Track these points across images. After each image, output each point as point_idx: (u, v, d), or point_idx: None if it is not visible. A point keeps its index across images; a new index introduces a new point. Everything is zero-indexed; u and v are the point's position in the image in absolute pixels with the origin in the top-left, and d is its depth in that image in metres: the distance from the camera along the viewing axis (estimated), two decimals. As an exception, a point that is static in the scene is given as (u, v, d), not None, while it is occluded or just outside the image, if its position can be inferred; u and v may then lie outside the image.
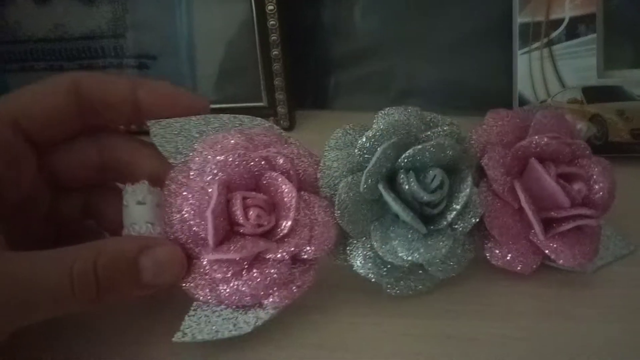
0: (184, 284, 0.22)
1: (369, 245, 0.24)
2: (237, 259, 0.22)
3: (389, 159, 0.23)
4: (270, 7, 0.41)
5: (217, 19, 0.43)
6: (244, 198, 0.22)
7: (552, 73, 0.37)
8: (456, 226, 0.24)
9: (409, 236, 0.23)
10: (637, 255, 0.28)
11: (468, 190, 0.23)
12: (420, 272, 0.25)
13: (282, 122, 0.44)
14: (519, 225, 0.25)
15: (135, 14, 0.43)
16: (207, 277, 0.22)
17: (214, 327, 0.22)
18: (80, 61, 0.43)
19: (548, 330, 0.23)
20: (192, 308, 0.22)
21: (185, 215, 0.22)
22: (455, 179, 0.24)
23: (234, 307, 0.23)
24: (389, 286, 0.24)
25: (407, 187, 0.23)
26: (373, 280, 0.24)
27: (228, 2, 0.42)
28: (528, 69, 0.37)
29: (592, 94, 0.36)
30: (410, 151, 0.23)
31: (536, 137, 0.25)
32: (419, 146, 0.23)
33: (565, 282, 0.26)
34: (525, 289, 0.26)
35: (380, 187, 0.23)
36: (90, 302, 0.20)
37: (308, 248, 0.23)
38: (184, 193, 0.22)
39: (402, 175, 0.23)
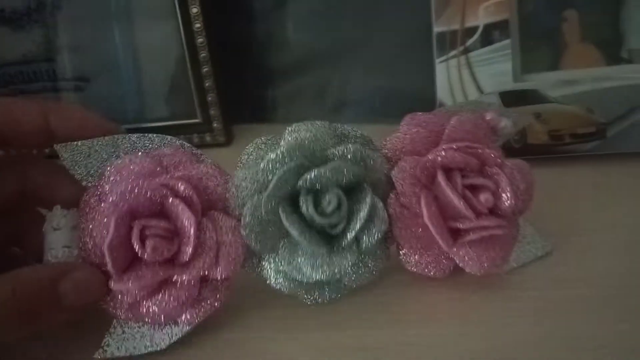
0: (104, 305, 0.23)
1: (279, 260, 0.24)
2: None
3: (288, 183, 0.24)
4: (197, 25, 0.41)
5: (151, 38, 0.43)
6: (143, 228, 0.23)
7: (470, 79, 0.37)
8: (362, 241, 0.24)
9: (314, 254, 0.24)
10: (552, 256, 0.28)
11: (367, 209, 0.24)
12: (335, 281, 0.25)
13: (218, 137, 0.45)
14: (429, 235, 0.26)
15: (67, 37, 0.43)
16: (122, 299, 0.23)
17: (131, 344, 0.23)
18: (14, 86, 0.44)
19: (460, 334, 0.24)
20: (112, 325, 0.23)
21: (95, 241, 0.23)
22: (356, 198, 0.24)
23: (150, 324, 0.23)
24: (305, 296, 0.25)
25: (305, 210, 0.24)
26: (286, 292, 0.24)
27: (159, 22, 0.42)
28: (447, 76, 0.38)
29: (509, 98, 0.37)
30: (307, 175, 0.23)
31: (443, 149, 0.26)
32: (315, 171, 0.23)
33: (481, 285, 0.26)
34: (440, 293, 0.26)
35: (280, 210, 0.24)
36: (13, 331, 0.20)
37: (215, 269, 0.23)
38: (95, 217, 0.23)
39: (302, 198, 0.24)
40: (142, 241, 0.22)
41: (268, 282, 0.24)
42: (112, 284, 0.22)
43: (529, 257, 0.28)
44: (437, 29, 0.38)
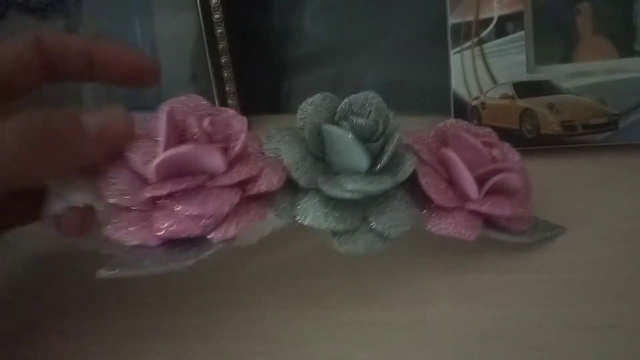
0: (128, 152, 0.23)
1: (317, 198, 0.24)
2: (184, 185, 0.22)
3: (327, 110, 0.25)
4: (217, 16, 0.42)
5: (170, 28, 0.44)
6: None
7: (484, 70, 0.38)
8: (397, 170, 0.25)
9: (354, 176, 0.24)
10: (564, 243, 0.29)
11: (399, 135, 0.25)
12: (369, 229, 0.25)
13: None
14: (452, 193, 0.26)
15: (89, 27, 0.44)
16: (161, 207, 0.22)
17: (149, 262, 0.22)
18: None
19: (464, 315, 0.24)
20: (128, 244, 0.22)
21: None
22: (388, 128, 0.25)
23: (175, 240, 0.22)
24: (339, 242, 0.24)
25: (346, 122, 0.25)
26: (324, 227, 0.24)
27: (179, 12, 0.43)
28: (461, 67, 0.38)
29: (523, 89, 0.38)
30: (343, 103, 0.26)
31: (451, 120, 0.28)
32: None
33: (492, 269, 0.27)
34: (452, 275, 0.27)
35: (324, 126, 0.24)
36: (38, 165, 0.20)
37: (258, 182, 0.23)
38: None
39: (342, 122, 0.25)
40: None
41: (306, 222, 0.24)
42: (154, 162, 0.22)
43: (544, 239, 0.29)
44: (451, 20, 0.38)
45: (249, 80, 0.46)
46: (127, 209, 0.22)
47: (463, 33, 0.38)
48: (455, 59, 0.38)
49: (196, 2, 0.42)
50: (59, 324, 0.25)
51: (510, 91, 0.38)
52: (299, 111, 0.26)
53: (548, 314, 0.24)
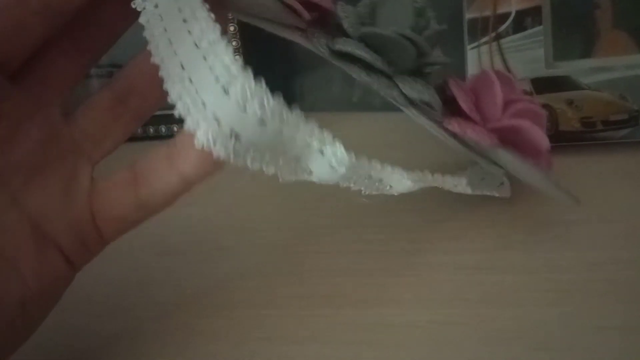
0: None
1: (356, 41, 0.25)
2: None
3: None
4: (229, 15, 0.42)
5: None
6: None
7: (501, 66, 0.37)
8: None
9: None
10: (585, 242, 0.28)
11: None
12: (392, 83, 0.25)
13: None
14: (477, 111, 0.27)
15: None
16: None
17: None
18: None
19: (489, 315, 0.24)
20: None
21: None
22: None
23: None
24: (358, 75, 0.25)
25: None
26: (360, 54, 0.24)
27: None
28: (478, 63, 0.38)
29: (541, 84, 0.37)
30: None
31: None
32: None
33: (511, 268, 0.27)
34: (469, 275, 0.26)
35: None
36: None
37: None
38: None
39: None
40: None
41: (342, 46, 0.24)
42: None
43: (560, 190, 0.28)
44: (468, 15, 0.38)
45: (262, 78, 0.46)
46: None
47: (480, 28, 0.38)
48: (472, 54, 0.38)
49: None
50: (62, 323, 0.25)
51: (528, 87, 0.37)
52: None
53: (571, 314, 0.24)
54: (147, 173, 0.20)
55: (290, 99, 0.48)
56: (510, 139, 0.27)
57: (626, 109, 0.36)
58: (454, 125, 0.25)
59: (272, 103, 0.17)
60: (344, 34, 0.25)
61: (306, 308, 0.25)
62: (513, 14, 0.37)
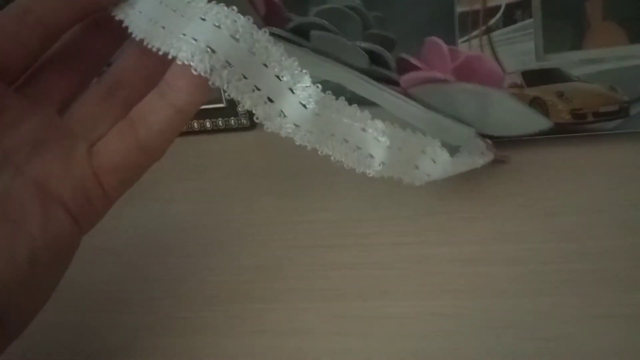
0: None
1: None
2: None
3: None
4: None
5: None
6: None
7: (492, 59, 0.37)
8: None
9: None
10: (575, 232, 0.28)
11: None
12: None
13: (242, 120, 0.45)
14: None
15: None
16: None
17: None
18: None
19: (482, 307, 0.24)
20: None
21: None
22: None
23: None
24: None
25: None
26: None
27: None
28: (469, 56, 0.38)
29: (532, 77, 0.37)
30: None
31: None
32: None
33: (502, 259, 0.27)
34: (461, 267, 0.27)
35: None
36: None
37: None
38: None
39: None
40: None
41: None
42: None
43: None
44: (459, 9, 0.38)
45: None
46: None
47: (470, 22, 0.38)
48: (463, 47, 0.38)
49: None
50: (62, 320, 0.25)
51: (519, 80, 0.37)
52: None
53: (560, 304, 0.24)
54: (143, 113, 0.22)
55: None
56: (465, 79, 0.28)
57: (616, 100, 0.37)
58: (411, 74, 0.27)
59: (258, 34, 0.20)
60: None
61: (299, 301, 0.25)
62: (503, 7, 0.37)
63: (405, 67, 0.29)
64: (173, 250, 0.31)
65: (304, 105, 0.21)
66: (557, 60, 0.37)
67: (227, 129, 0.45)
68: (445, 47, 0.28)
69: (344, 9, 0.26)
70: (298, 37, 0.26)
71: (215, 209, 0.35)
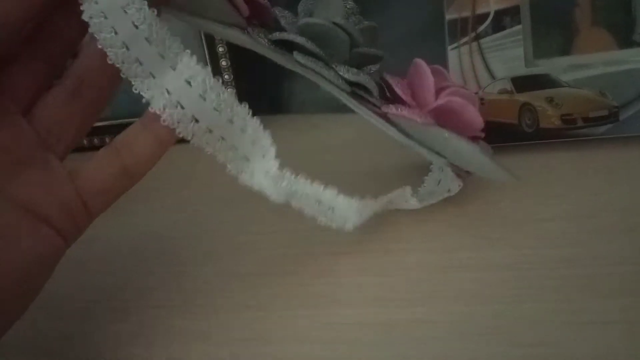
0: None
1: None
2: None
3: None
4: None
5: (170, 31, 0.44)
6: None
7: (482, 66, 0.38)
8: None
9: None
10: (564, 238, 0.29)
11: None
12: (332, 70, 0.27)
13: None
14: (412, 96, 0.29)
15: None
16: None
17: None
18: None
19: (468, 312, 0.24)
20: None
21: None
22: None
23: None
24: (300, 59, 0.26)
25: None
26: (297, 40, 0.26)
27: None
28: (458, 63, 0.38)
29: (521, 83, 0.38)
30: None
31: None
32: None
33: (489, 265, 0.27)
34: (447, 273, 0.27)
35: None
36: None
37: None
38: None
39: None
40: None
41: (280, 37, 0.26)
42: None
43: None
44: (448, 16, 0.38)
45: (249, 82, 0.46)
46: None
47: (460, 29, 0.38)
48: (452, 55, 0.38)
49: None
50: (61, 325, 0.25)
51: (508, 86, 0.38)
52: None
53: (547, 310, 0.24)
54: (128, 142, 0.23)
55: (278, 101, 0.49)
56: (445, 119, 0.28)
57: (606, 105, 0.37)
58: (392, 108, 0.27)
59: (225, 95, 0.21)
60: (282, 30, 0.27)
61: (287, 309, 0.25)
62: (492, 14, 0.37)
63: (388, 87, 0.29)
64: (163, 259, 0.31)
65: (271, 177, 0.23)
66: (546, 66, 0.38)
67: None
68: (431, 79, 0.28)
69: (330, 27, 0.26)
70: (281, 49, 0.26)
71: (203, 216, 0.35)
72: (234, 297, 0.27)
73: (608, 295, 0.24)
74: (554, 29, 0.38)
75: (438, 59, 0.40)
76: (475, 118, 0.28)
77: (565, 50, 0.38)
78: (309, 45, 0.25)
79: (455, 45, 0.38)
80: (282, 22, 0.27)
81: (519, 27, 0.37)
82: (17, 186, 0.21)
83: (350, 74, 0.26)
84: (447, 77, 0.30)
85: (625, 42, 0.37)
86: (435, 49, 0.40)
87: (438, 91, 0.28)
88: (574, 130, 0.37)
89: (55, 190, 0.22)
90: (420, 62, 0.28)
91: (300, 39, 0.25)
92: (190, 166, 0.42)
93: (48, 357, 0.24)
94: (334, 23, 0.26)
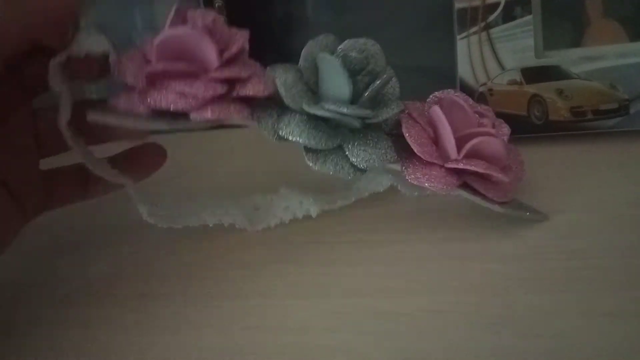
0: None
1: (299, 116, 0.25)
2: (179, 67, 0.23)
3: (326, 46, 0.26)
4: (219, 4, 0.42)
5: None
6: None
7: (491, 56, 0.37)
8: (380, 108, 0.25)
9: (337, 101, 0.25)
10: (572, 230, 0.28)
11: (388, 76, 0.26)
12: (343, 156, 0.26)
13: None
14: (433, 149, 0.26)
15: (89, 16, 0.44)
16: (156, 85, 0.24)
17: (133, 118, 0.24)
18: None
19: (476, 303, 0.24)
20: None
21: None
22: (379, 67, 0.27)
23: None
24: (310, 158, 0.25)
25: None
26: (300, 141, 0.24)
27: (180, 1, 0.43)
28: (468, 53, 0.38)
29: (531, 74, 0.37)
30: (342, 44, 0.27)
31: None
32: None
33: (497, 257, 0.26)
34: (456, 264, 0.26)
35: (318, 54, 0.25)
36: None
37: (246, 85, 0.24)
38: None
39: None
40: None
41: (281, 131, 0.25)
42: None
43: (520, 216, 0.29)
44: (458, 5, 0.37)
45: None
46: (132, 88, 0.24)
47: (469, 18, 0.37)
48: (461, 44, 0.38)
49: (198, -10, 0.42)
50: (60, 316, 0.25)
51: (518, 77, 0.37)
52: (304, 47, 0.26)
53: (557, 302, 0.23)
54: None
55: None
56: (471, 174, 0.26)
57: (616, 98, 0.36)
58: (410, 175, 0.25)
59: None
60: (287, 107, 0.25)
61: (292, 297, 0.25)
62: (502, 4, 0.37)
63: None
64: (163, 247, 0.30)
65: None
66: (556, 57, 0.37)
67: (221, 125, 0.45)
68: (448, 130, 0.26)
69: (339, 117, 0.25)
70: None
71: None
72: (238, 286, 0.26)
73: (619, 287, 0.24)
74: (565, 20, 0.37)
75: (446, 48, 0.39)
76: (500, 183, 0.27)
77: (576, 42, 0.37)
78: (315, 143, 0.25)
79: (464, 34, 0.38)
80: (286, 100, 0.25)
81: (530, 17, 0.37)
82: None
83: (363, 161, 0.25)
84: (468, 114, 0.27)
85: (637, 34, 0.37)
86: (444, 38, 0.40)
87: (461, 140, 0.26)
88: (583, 123, 0.37)
89: None
90: (437, 111, 0.26)
91: (306, 140, 0.25)
92: (193, 156, 0.42)
93: (51, 344, 0.24)
94: (339, 113, 0.24)
